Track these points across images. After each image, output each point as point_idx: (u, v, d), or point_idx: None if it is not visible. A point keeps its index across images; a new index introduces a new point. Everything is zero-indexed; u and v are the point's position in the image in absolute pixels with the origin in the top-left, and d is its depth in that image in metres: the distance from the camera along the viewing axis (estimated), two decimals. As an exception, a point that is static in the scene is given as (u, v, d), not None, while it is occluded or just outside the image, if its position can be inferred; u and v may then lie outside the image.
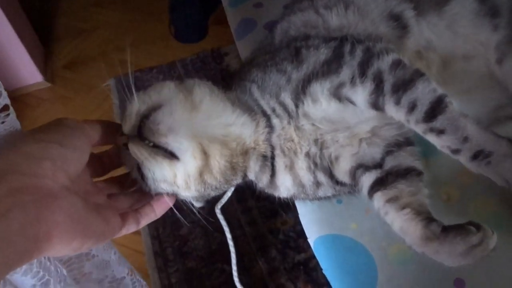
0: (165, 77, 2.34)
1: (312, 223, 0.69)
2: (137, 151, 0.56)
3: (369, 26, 0.74)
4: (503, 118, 0.75)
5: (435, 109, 0.58)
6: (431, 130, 0.59)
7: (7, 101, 0.54)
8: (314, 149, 0.68)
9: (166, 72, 2.37)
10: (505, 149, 0.56)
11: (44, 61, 2.42)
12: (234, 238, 0.66)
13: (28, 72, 2.26)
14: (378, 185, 0.64)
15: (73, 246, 0.47)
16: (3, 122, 0.54)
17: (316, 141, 0.68)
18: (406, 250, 0.61)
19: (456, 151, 0.57)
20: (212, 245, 1.74)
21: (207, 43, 2.40)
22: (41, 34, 2.46)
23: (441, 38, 0.77)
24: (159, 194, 0.60)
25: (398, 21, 0.75)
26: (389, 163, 0.67)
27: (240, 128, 0.65)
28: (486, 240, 0.54)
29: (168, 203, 0.60)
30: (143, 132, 0.56)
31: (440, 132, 0.58)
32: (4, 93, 0.54)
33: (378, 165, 0.68)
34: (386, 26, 0.75)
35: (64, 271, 0.70)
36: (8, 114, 0.54)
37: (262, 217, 1.77)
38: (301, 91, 0.65)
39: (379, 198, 0.63)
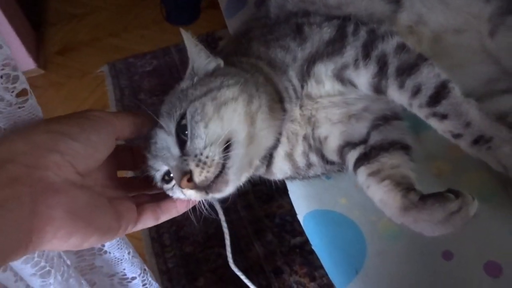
0: (159, 62, 2.31)
1: (302, 199, 0.68)
2: (194, 197, 0.55)
3: (366, 2, 0.73)
4: (495, 92, 0.74)
5: (440, 93, 0.58)
6: (434, 114, 0.59)
7: (26, 85, 0.51)
8: (308, 130, 0.68)
9: (160, 57, 2.35)
10: (504, 135, 0.56)
11: (36, 47, 2.39)
12: (230, 222, 0.66)
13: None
14: (362, 159, 0.64)
15: (71, 243, 0.45)
16: (20, 108, 0.51)
17: (309, 119, 0.68)
18: (396, 224, 0.60)
19: (457, 136, 0.58)
20: (209, 230, 1.74)
21: (201, 27, 2.37)
22: (32, 20, 2.43)
23: (433, 11, 0.76)
24: None
25: None
26: (374, 137, 0.66)
27: (267, 143, 0.64)
28: (466, 207, 0.53)
29: (194, 201, 0.57)
30: (211, 189, 0.54)
31: (443, 117, 0.58)
32: (22, 77, 0.50)
33: (364, 141, 0.68)
34: (380, 0, 0.74)
35: (68, 261, 0.69)
36: (27, 100, 0.51)
37: (258, 201, 1.77)
38: (305, 72, 0.65)
39: (362, 173, 0.63)
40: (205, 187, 0.53)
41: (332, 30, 0.66)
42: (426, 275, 0.59)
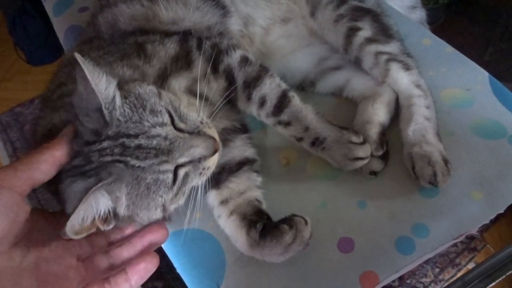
0: (50, 105, 2.17)
1: (159, 224, 0.65)
2: (217, 159, 0.58)
3: (197, 14, 0.72)
4: (327, 70, 0.77)
5: (282, 103, 0.63)
6: (280, 122, 0.63)
7: None
8: None
9: (51, 100, 2.21)
10: (335, 134, 0.62)
11: None
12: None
13: None
14: (211, 181, 0.62)
15: None
16: None
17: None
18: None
19: (300, 139, 0.63)
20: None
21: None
22: None
23: (258, 8, 0.78)
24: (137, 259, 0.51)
25: (215, 1, 0.74)
26: (223, 157, 0.66)
27: None
28: (300, 234, 0.55)
29: (150, 269, 0.51)
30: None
31: (287, 124, 0.63)
32: None
33: None
34: (209, 9, 0.73)
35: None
36: None
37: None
38: (160, 88, 0.61)
39: (213, 198, 0.64)
40: None
41: (175, 46, 0.65)
42: (284, 266, 0.57)
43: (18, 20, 2.06)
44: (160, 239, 0.55)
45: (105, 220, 0.49)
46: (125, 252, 0.52)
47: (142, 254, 0.52)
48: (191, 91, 0.64)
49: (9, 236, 0.43)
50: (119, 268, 0.51)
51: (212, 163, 0.56)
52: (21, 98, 2.18)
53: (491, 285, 0.64)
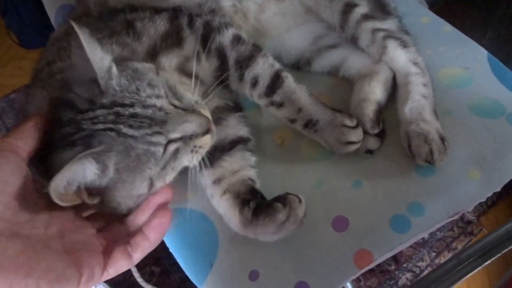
0: (46, 91, 2.15)
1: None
2: (209, 142, 0.56)
3: None
4: (323, 48, 0.75)
5: (275, 83, 0.62)
6: (272, 103, 0.62)
7: None
8: None
9: (46, 85, 2.18)
10: (328, 117, 0.61)
11: None
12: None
13: None
14: (204, 161, 0.61)
15: None
16: None
17: None
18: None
19: (293, 121, 0.63)
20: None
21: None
22: None
23: None
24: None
25: None
26: (217, 135, 0.64)
27: None
28: (294, 212, 0.54)
29: (165, 222, 0.51)
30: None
31: (280, 105, 0.62)
32: None
33: None
34: None
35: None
36: None
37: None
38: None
39: (206, 177, 0.62)
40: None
41: (165, 23, 0.64)
42: (278, 245, 0.57)
43: (10, 2, 2.02)
44: (166, 197, 0.53)
45: (91, 193, 0.48)
46: (137, 218, 0.52)
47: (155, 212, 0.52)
48: (182, 70, 0.63)
49: (29, 199, 0.44)
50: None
51: (204, 142, 0.54)
52: (16, 84, 2.16)
53: (486, 263, 0.63)
